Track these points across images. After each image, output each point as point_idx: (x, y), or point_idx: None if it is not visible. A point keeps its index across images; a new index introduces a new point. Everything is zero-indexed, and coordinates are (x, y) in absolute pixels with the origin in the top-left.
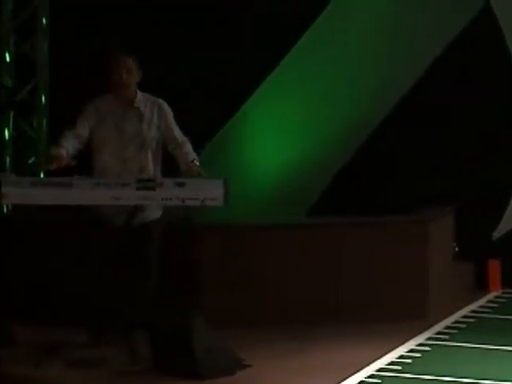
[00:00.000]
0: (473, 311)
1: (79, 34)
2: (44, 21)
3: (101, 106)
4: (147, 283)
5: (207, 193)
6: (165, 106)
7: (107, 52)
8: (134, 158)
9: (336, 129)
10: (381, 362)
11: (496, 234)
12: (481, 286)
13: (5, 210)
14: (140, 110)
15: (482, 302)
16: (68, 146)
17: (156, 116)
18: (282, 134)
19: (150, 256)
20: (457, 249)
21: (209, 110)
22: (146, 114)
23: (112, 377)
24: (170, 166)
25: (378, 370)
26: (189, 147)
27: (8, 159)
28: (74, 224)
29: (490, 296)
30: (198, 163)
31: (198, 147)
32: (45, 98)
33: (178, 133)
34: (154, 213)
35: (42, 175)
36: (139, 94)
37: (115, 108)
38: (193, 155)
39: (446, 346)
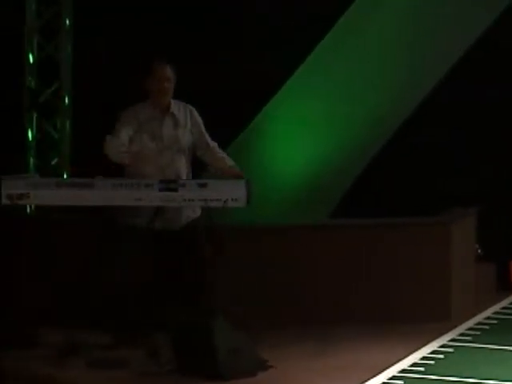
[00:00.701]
0: (496, 312)
1: (102, 34)
2: (67, 21)
3: (139, 113)
4: (194, 285)
5: (230, 194)
6: (194, 110)
7: (147, 60)
8: (170, 164)
9: (358, 130)
10: (403, 364)
11: None
12: (504, 287)
13: (28, 210)
14: (176, 115)
15: (505, 303)
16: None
17: (189, 121)
18: (304, 134)
19: (197, 257)
20: (479, 250)
21: (232, 110)
22: (181, 120)
23: (133, 378)
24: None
25: (401, 372)
26: (222, 152)
27: (32, 160)
28: (96, 223)
29: None
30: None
31: (221, 147)
32: (68, 100)
33: (208, 138)
34: (193, 212)
35: (65, 176)
36: (172, 100)
37: (153, 115)
38: (230, 160)
39: (469, 347)
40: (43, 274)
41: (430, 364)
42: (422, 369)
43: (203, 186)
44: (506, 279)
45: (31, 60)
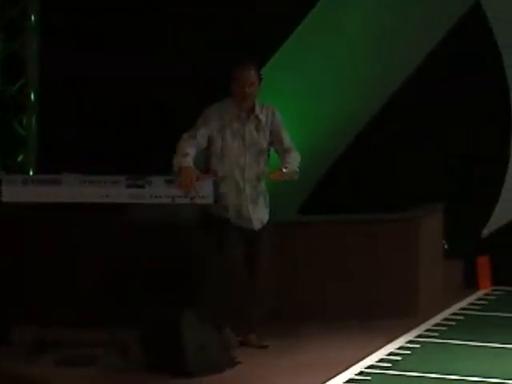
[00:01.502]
0: (462, 308)
1: (68, 31)
2: (33, 18)
3: (224, 111)
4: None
5: (197, 191)
6: (276, 111)
7: (232, 64)
8: (251, 165)
9: (326, 127)
10: (370, 359)
11: (485, 232)
12: (470, 283)
13: None
14: (259, 117)
15: (472, 299)
16: (192, 155)
17: (269, 122)
18: None
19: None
20: (446, 246)
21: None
22: (263, 121)
23: (102, 375)
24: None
25: (368, 367)
26: (293, 156)
27: None
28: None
29: (480, 293)
30: (285, 170)
31: None
32: (34, 96)
33: (285, 138)
34: (264, 215)
35: (31, 173)
36: (256, 102)
37: (237, 115)
38: (288, 163)
39: (435, 343)
40: (14, 271)
41: (397, 360)
42: (389, 364)
43: (171, 182)
44: (473, 275)
45: None
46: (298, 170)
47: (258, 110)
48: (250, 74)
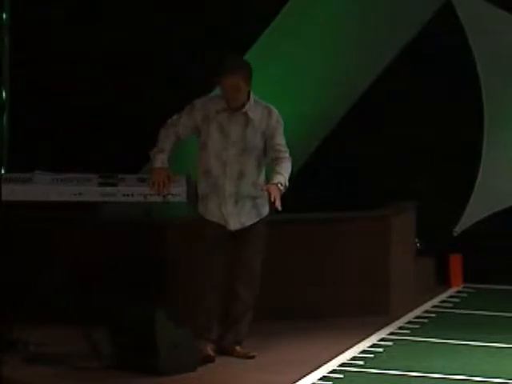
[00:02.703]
0: (434, 306)
1: (39, 27)
2: (4, 15)
3: (211, 104)
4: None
5: (170, 189)
6: (274, 114)
7: (221, 64)
8: (233, 161)
9: (299, 126)
10: (343, 357)
11: (457, 230)
12: (442, 281)
13: None
14: (248, 115)
15: (444, 296)
16: (168, 149)
17: (264, 122)
18: None
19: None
20: (418, 244)
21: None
22: (255, 120)
23: (72, 374)
24: (131, 162)
25: (341, 365)
26: (284, 166)
27: None
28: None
29: (452, 291)
30: (282, 187)
31: None
32: (5, 94)
33: (279, 144)
34: (248, 219)
35: (3, 171)
36: (252, 99)
37: (224, 109)
38: (279, 178)
39: (407, 340)
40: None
41: (369, 357)
42: (361, 362)
43: (143, 181)
44: (445, 273)
45: None
46: (281, 184)
47: (249, 107)
48: (235, 82)
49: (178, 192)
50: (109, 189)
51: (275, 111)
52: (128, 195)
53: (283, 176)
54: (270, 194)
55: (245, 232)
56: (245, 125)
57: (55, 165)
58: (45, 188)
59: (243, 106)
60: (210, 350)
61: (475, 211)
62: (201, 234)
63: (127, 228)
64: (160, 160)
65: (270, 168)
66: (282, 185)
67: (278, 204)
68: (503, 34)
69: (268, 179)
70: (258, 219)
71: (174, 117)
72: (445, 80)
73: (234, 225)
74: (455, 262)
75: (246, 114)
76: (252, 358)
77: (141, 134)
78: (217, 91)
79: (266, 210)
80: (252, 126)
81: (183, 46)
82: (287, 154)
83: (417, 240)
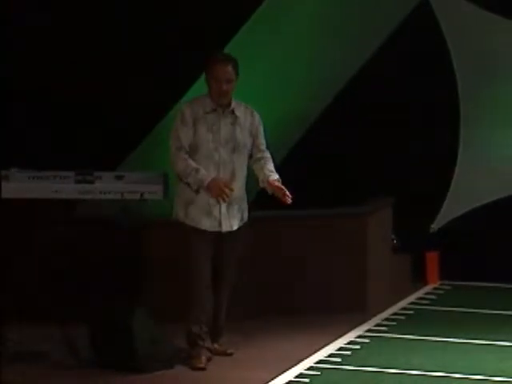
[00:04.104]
0: (411, 303)
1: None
2: None
3: (197, 108)
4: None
5: (146, 187)
6: (256, 114)
7: (208, 58)
8: (226, 161)
9: (276, 125)
10: (320, 354)
11: (434, 227)
12: (419, 278)
13: None
14: (235, 113)
15: (420, 293)
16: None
17: (249, 122)
18: None
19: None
20: (395, 241)
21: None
22: (241, 119)
23: (50, 372)
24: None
25: (318, 362)
26: (272, 165)
27: None
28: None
29: (428, 288)
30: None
31: None
32: None
33: (263, 144)
34: (237, 221)
35: None
36: (232, 100)
37: (211, 110)
38: (276, 175)
39: (384, 337)
40: None
41: (346, 354)
42: (338, 359)
43: (120, 178)
44: (422, 270)
45: None
46: (279, 181)
47: (234, 105)
48: (228, 70)
49: (155, 189)
50: (86, 186)
51: (256, 112)
52: (105, 193)
53: (276, 174)
54: (278, 189)
55: (230, 236)
56: (233, 123)
57: (32, 163)
58: (22, 186)
59: (229, 104)
60: (204, 360)
61: (452, 208)
62: (182, 236)
63: (102, 226)
64: (204, 174)
65: (250, 168)
66: (279, 181)
67: (289, 198)
68: (480, 33)
69: (258, 178)
70: (242, 223)
71: (173, 140)
72: (420, 79)
73: (225, 227)
74: (432, 259)
75: (233, 112)
76: (230, 355)
77: (118, 132)
78: (198, 88)
79: (246, 215)
80: (239, 125)
81: (170, 46)
82: (269, 154)
83: (393, 237)
